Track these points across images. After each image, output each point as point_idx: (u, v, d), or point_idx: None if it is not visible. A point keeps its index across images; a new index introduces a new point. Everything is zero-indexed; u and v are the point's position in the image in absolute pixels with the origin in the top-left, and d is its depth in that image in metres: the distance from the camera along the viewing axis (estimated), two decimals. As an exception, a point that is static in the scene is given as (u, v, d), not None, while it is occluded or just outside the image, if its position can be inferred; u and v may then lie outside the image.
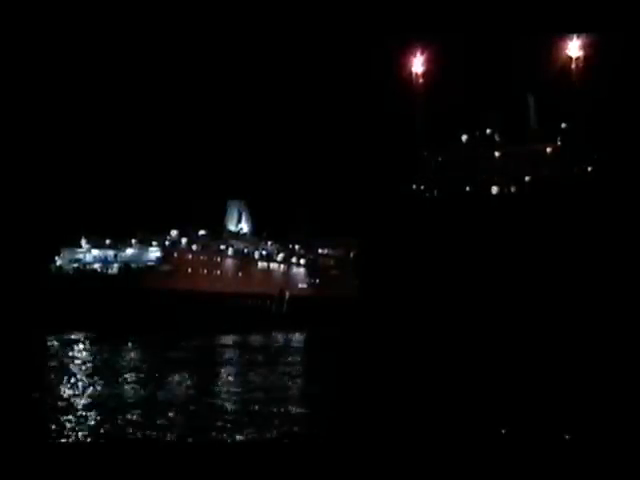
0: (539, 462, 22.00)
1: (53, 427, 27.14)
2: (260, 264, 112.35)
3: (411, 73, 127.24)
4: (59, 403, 32.61)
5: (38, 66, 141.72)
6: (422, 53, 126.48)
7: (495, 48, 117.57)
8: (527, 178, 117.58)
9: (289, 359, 58.93)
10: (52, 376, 42.96)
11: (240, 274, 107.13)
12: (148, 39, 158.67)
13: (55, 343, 66.32)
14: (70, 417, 29.10)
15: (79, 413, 30.20)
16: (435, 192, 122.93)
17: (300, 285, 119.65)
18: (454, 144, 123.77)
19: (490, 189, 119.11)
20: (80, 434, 26.09)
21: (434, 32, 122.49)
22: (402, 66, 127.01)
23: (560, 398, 34.73)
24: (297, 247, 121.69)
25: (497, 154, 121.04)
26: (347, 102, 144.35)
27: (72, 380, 40.62)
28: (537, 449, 23.42)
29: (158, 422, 28.38)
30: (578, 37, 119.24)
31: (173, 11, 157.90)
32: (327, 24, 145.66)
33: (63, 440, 25.18)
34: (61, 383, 39.48)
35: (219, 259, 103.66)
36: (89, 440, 25.37)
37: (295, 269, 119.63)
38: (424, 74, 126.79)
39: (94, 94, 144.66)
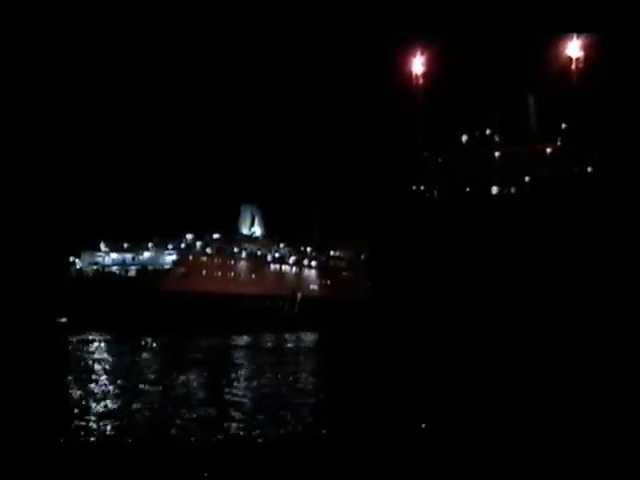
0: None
1: (69, 426, 27.51)
2: (272, 266, 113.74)
3: (411, 73, 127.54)
4: (76, 403, 32.95)
5: (56, 74, 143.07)
6: (422, 53, 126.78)
7: (495, 48, 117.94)
8: (527, 178, 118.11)
9: (300, 360, 59.30)
10: (71, 377, 43.27)
11: (253, 276, 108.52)
12: (162, 47, 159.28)
13: (75, 343, 67.11)
14: (86, 417, 29.47)
15: (95, 412, 30.61)
16: (435, 193, 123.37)
17: (312, 287, 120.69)
18: (454, 144, 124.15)
19: (490, 189, 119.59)
20: (94, 434, 26.46)
21: (434, 32, 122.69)
22: (402, 66, 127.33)
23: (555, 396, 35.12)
24: (309, 249, 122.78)
25: (497, 154, 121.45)
26: (350, 104, 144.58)
27: (88, 379, 41.00)
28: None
29: (173, 421, 28.79)
30: (578, 37, 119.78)
31: (187, 20, 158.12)
32: (328, 26, 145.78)
33: (77, 439, 25.56)
34: (79, 382, 39.86)
35: (232, 262, 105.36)
36: (101, 440, 25.76)
37: (307, 271, 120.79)
38: (424, 74, 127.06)
39: (112, 102, 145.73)
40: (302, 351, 70.23)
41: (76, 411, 30.64)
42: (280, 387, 39.88)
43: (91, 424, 27.92)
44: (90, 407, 31.76)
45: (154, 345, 69.43)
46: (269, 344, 78.55)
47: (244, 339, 79.63)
